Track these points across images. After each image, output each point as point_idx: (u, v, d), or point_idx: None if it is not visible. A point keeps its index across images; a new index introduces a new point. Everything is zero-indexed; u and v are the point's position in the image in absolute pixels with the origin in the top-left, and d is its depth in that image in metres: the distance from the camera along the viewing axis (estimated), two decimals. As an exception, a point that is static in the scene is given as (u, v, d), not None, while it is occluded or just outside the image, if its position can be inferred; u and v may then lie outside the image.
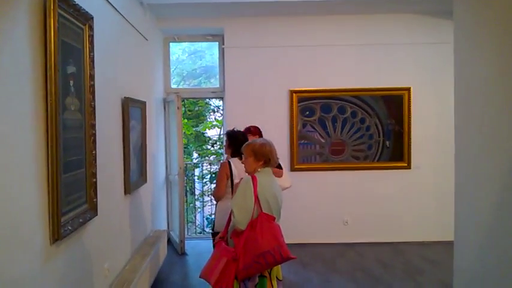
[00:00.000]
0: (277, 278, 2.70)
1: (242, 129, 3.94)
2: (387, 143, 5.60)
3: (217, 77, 6.03)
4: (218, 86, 5.98)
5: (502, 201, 2.46)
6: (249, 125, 4.15)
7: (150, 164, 4.76)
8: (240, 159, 3.48)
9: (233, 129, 3.82)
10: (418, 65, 5.53)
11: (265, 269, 2.53)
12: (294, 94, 5.51)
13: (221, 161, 3.63)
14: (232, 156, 3.73)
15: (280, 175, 4.15)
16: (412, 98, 5.52)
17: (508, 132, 2.39)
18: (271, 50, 5.52)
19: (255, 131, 4.11)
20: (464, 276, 2.92)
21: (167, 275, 4.62)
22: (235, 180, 3.57)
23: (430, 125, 5.54)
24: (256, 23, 5.49)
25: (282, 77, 5.52)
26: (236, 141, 3.66)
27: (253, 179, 2.60)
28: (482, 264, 2.67)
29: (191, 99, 8.77)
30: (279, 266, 2.66)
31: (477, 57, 2.74)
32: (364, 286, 4.25)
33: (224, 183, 3.61)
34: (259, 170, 2.70)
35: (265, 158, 2.69)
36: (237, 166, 3.60)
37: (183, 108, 6.20)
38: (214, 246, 3.00)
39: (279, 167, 4.21)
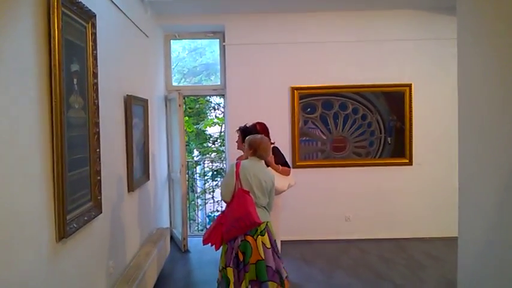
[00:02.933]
0: (264, 245, 3.08)
1: (247, 125, 4.02)
2: (389, 139, 5.60)
3: (218, 74, 6.03)
4: (219, 83, 5.97)
5: (505, 197, 2.46)
6: (255, 121, 4.15)
7: (153, 162, 4.77)
8: None
9: (245, 125, 3.97)
10: (419, 61, 5.53)
11: (241, 232, 3.04)
12: (295, 91, 5.51)
13: (236, 160, 3.71)
14: None
15: (287, 173, 4.19)
16: (413, 94, 5.52)
17: (511, 128, 2.39)
18: (272, 47, 5.52)
19: (261, 128, 4.12)
20: (468, 272, 2.92)
21: (171, 272, 4.63)
22: None
23: (432, 122, 5.54)
24: (257, 19, 5.48)
25: (283, 73, 5.52)
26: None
27: (237, 164, 3.23)
28: (486, 260, 2.68)
29: (192, 97, 8.76)
30: (267, 236, 3.11)
31: (480, 52, 2.73)
32: (367, 282, 4.27)
33: None
34: (249, 157, 3.30)
35: (254, 148, 3.27)
36: None
37: (184, 106, 6.20)
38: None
39: (287, 165, 4.25)
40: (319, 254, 5.09)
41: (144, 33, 4.53)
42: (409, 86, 5.52)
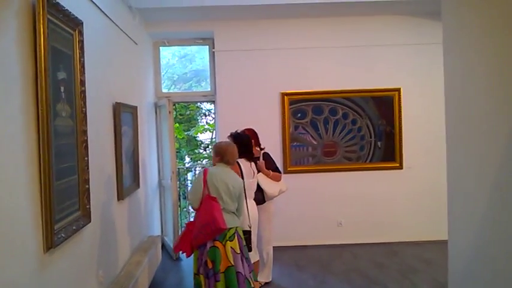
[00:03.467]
0: (234, 250, 3.14)
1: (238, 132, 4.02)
2: (379, 143, 5.63)
3: (208, 80, 6.02)
4: (209, 89, 5.97)
5: (494, 201, 2.48)
6: (244, 128, 4.16)
7: (143, 169, 4.73)
8: (246, 159, 3.88)
9: (237, 131, 3.96)
10: (407, 65, 5.58)
11: (208, 238, 3.08)
12: (285, 96, 5.52)
13: None
14: (238, 157, 3.80)
15: (278, 179, 4.21)
16: (402, 98, 5.56)
17: (498, 130, 2.41)
18: (261, 53, 5.53)
19: (250, 133, 4.13)
20: (459, 276, 2.93)
21: (162, 280, 4.58)
22: (247, 180, 3.73)
23: (421, 125, 5.58)
24: (246, 26, 5.49)
25: (273, 79, 5.53)
26: (241, 142, 3.83)
27: (205, 171, 3.26)
28: (477, 263, 2.69)
29: (182, 103, 8.74)
30: (236, 241, 3.16)
31: (465, 57, 2.76)
32: (359, 287, 4.26)
33: None
34: (217, 164, 3.34)
35: (220, 154, 3.33)
36: (245, 166, 3.82)
37: (174, 112, 6.19)
38: None
39: (277, 171, 4.26)
40: (311, 259, 5.08)
41: (132, 40, 4.51)
42: (398, 90, 5.56)
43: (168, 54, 7.81)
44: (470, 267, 2.77)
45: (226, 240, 3.13)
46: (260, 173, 4.10)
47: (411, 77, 5.57)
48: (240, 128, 4.08)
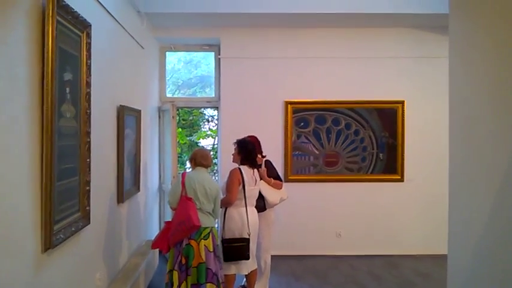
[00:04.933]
0: (207, 248, 3.34)
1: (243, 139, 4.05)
2: (381, 155, 5.62)
3: (213, 86, 6.04)
4: (213, 95, 5.99)
5: (495, 215, 2.47)
6: (247, 135, 4.16)
7: (144, 173, 4.73)
8: (249, 166, 3.90)
9: (242, 139, 4.00)
10: (412, 78, 5.59)
11: (184, 235, 3.29)
12: (289, 105, 5.53)
13: (231, 169, 3.84)
14: (241, 164, 3.90)
15: (279, 187, 4.21)
16: (406, 111, 5.57)
17: (501, 145, 2.41)
18: (267, 61, 5.55)
19: (253, 140, 4.13)
20: (458, 290, 2.91)
21: (159, 284, 4.55)
22: (248, 187, 3.77)
23: (424, 139, 5.58)
24: (252, 34, 5.52)
25: (277, 88, 5.55)
26: (245, 149, 3.90)
27: (183, 174, 3.51)
28: (476, 278, 2.67)
29: (185, 109, 8.76)
30: (210, 240, 3.37)
31: (471, 71, 2.77)
32: (357, 299, 4.23)
33: (237, 189, 3.75)
34: (193, 168, 3.60)
35: (193, 159, 3.61)
36: (247, 173, 3.83)
37: (177, 117, 6.20)
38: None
39: (279, 179, 4.26)
40: (309, 269, 5.05)
41: (139, 44, 4.54)
42: (402, 103, 5.57)
43: (174, 59, 7.84)
44: (469, 282, 2.75)
45: (201, 239, 3.33)
46: (262, 181, 4.09)
47: (415, 90, 5.58)
48: (243, 135, 4.09)
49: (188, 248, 3.31)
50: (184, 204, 3.33)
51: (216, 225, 3.56)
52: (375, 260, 5.35)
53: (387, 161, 5.62)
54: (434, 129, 5.43)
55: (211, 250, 3.37)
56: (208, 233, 3.39)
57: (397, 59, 5.57)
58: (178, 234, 3.30)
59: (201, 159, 3.58)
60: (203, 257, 3.30)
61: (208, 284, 3.29)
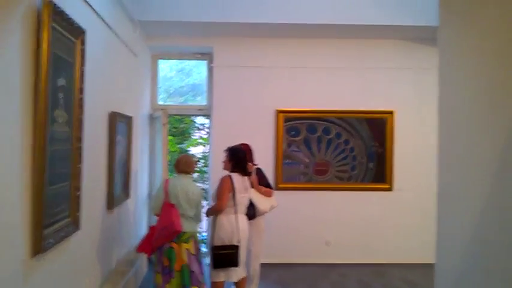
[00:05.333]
0: (189, 251, 3.48)
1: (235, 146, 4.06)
2: (370, 164, 5.68)
3: (204, 94, 6.07)
4: (205, 103, 6.01)
5: (483, 224, 2.52)
6: (239, 142, 4.19)
7: (134, 180, 4.73)
8: (241, 174, 3.90)
9: (233, 146, 4.01)
10: (402, 89, 5.68)
11: (167, 239, 3.42)
12: (280, 114, 5.58)
13: (222, 176, 3.87)
14: (232, 171, 3.90)
15: (270, 195, 4.23)
16: (395, 121, 5.65)
17: (489, 155, 2.47)
18: (259, 70, 5.61)
19: (245, 148, 4.16)
20: (444, 298, 2.94)
21: (147, 292, 4.54)
22: (239, 195, 3.76)
23: (413, 149, 5.65)
24: (245, 43, 5.58)
25: (269, 96, 5.60)
26: (236, 156, 3.91)
27: (166, 180, 3.65)
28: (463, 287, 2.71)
29: (176, 116, 8.76)
30: (191, 244, 3.50)
31: (460, 82, 2.84)
32: (346, 307, 4.25)
33: (227, 197, 3.75)
34: (177, 175, 3.71)
35: (176, 166, 3.71)
36: (238, 181, 3.83)
37: (169, 125, 6.19)
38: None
39: (269, 186, 4.28)
40: (298, 278, 5.06)
41: (132, 51, 4.56)
42: (392, 113, 5.65)
43: (166, 67, 7.86)
44: (455, 291, 2.79)
45: (182, 242, 3.47)
46: (252, 189, 4.11)
47: (405, 101, 5.67)
48: (234, 143, 4.12)
49: (170, 250, 3.44)
50: (167, 210, 3.46)
51: (202, 231, 3.69)
52: (364, 269, 5.38)
53: (376, 171, 5.68)
54: (424, 139, 5.51)
55: (194, 253, 3.52)
56: (189, 237, 3.52)
57: (387, 69, 5.66)
58: (162, 239, 3.44)
59: (184, 165, 3.69)
60: (185, 258, 3.44)
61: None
